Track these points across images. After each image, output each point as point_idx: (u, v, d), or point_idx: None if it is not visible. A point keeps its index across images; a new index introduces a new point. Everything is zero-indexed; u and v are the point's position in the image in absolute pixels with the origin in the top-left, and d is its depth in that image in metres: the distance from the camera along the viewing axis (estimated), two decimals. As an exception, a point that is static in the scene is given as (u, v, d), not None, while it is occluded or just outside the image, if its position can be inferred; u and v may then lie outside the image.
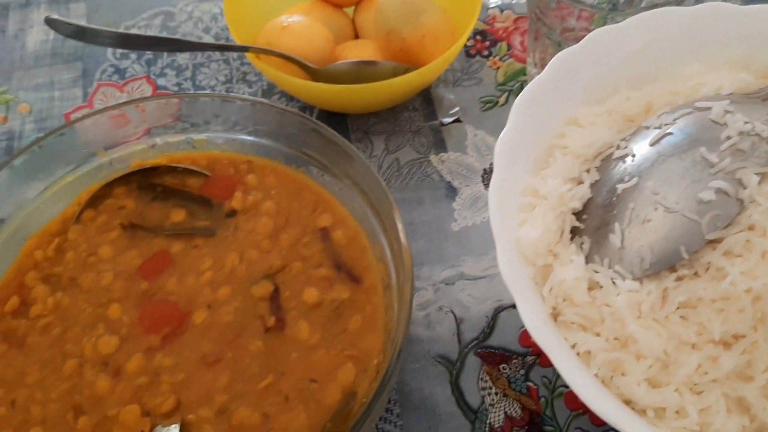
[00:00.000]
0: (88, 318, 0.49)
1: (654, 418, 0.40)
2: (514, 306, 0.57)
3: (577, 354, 0.43)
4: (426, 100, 0.69)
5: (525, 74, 0.70)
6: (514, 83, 0.70)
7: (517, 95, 0.66)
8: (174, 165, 0.55)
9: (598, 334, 0.43)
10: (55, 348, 0.48)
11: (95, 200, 0.54)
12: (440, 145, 0.66)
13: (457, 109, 0.67)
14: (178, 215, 0.53)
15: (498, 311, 0.57)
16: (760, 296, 0.40)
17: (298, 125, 0.53)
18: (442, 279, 0.58)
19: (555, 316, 0.45)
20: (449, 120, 0.66)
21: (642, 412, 0.41)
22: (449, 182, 0.64)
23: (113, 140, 0.56)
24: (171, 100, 0.55)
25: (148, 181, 0.55)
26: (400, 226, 0.46)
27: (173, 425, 0.44)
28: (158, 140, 0.56)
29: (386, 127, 0.67)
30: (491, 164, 0.64)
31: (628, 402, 0.41)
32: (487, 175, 0.64)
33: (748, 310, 0.40)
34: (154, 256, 0.51)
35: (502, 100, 0.69)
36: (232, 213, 0.53)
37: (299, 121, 0.53)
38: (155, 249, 0.52)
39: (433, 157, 0.65)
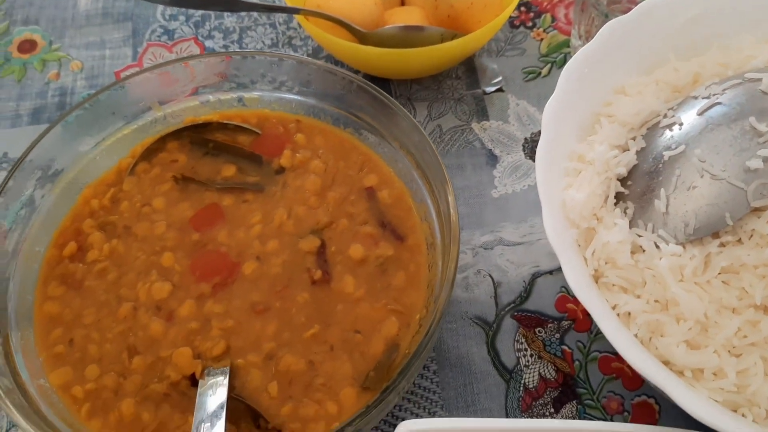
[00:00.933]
0: (141, 265, 0.51)
1: (692, 378, 0.41)
2: (551, 272, 0.58)
3: (618, 315, 0.44)
4: (469, 68, 0.69)
5: (569, 46, 0.70)
6: (557, 55, 0.70)
7: (560, 67, 0.67)
8: (225, 122, 0.57)
9: (639, 297, 0.44)
10: (110, 292, 0.50)
11: (149, 153, 0.56)
12: (482, 114, 0.66)
13: (499, 78, 0.68)
14: (229, 170, 0.55)
15: (535, 277, 0.58)
16: (803, 263, 0.41)
17: (348, 86, 0.54)
18: (481, 243, 0.59)
19: (597, 278, 0.46)
20: (492, 89, 0.67)
21: (680, 373, 0.42)
22: (490, 150, 0.64)
23: (164, 97, 0.58)
24: (221, 58, 0.56)
25: (200, 136, 0.56)
26: (450, 188, 0.47)
27: (223, 368, 0.46)
28: (210, 97, 0.57)
29: (429, 94, 0.68)
30: (532, 133, 0.65)
31: (666, 363, 0.42)
32: (528, 144, 0.65)
33: (790, 276, 0.41)
34: (205, 208, 0.53)
35: (544, 71, 0.69)
36: (281, 170, 0.55)
37: (349, 81, 0.54)
38: (206, 202, 0.53)
39: (475, 125, 0.66)
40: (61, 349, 0.48)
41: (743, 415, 0.40)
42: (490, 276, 0.58)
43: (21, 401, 0.43)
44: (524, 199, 0.62)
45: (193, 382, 0.46)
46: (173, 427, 0.45)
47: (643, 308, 0.43)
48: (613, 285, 0.45)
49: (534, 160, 0.63)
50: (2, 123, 0.68)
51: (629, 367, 0.53)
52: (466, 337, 0.55)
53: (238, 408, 0.45)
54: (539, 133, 0.63)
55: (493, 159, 0.64)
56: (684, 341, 0.42)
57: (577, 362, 0.54)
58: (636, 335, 0.43)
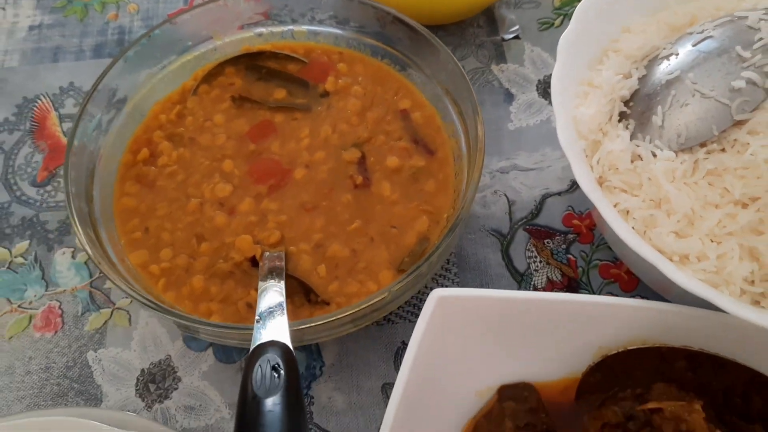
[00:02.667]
0: (205, 169, 0.58)
1: (679, 262, 0.49)
2: (559, 193, 0.66)
3: (618, 212, 0.52)
4: (489, 18, 0.77)
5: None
6: (569, 8, 0.78)
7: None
8: (277, 51, 0.64)
9: (636, 196, 0.52)
10: (179, 190, 0.57)
11: (209, 77, 0.63)
12: (500, 58, 0.74)
13: (516, 27, 0.75)
14: (280, 93, 0.62)
15: (545, 197, 0.65)
16: (776, 166, 0.48)
17: (386, 18, 0.61)
18: (498, 168, 0.67)
19: (601, 182, 0.53)
20: (509, 36, 0.74)
21: (669, 259, 0.49)
22: (507, 89, 0.72)
23: (209, 34, 0.65)
24: None
25: (254, 63, 0.64)
26: (478, 107, 0.55)
27: (279, 252, 0.54)
28: (264, 30, 0.65)
29: (453, 40, 0.75)
30: (545, 76, 0.73)
31: (658, 251, 0.50)
32: (541, 84, 0.72)
33: (765, 176, 0.48)
34: (259, 123, 0.61)
35: (557, 22, 0.77)
36: (326, 94, 0.62)
37: (387, 14, 0.61)
38: (260, 119, 0.61)
39: (494, 67, 0.73)
40: (138, 235, 0.56)
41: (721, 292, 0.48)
42: (506, 195, 0.66)
43: (114, 272, 0.50)
44: (537, 132, 0.69)
45: (253, 263, 0.54)
46: (237, 299, 0.53)
47: (640, 205, 0.51)
48: (615, 187, 0.52)
49: (546, 99, 0.71)
50: (67, 56, 0.76)
51: (626, 272, 0.61)
52: (484, 245, 0.63)
53: (291, 285, 0.52)
54: (551, 75, 0.71)
55: (509, 97, 0.71)
56: (673, 231, 0.50)
57: (580, 268, 0.62)
58: (633, 228, 0.51)
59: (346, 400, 0.56)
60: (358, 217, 0.56)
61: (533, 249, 0.63)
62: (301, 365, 0.58)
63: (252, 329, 0.46)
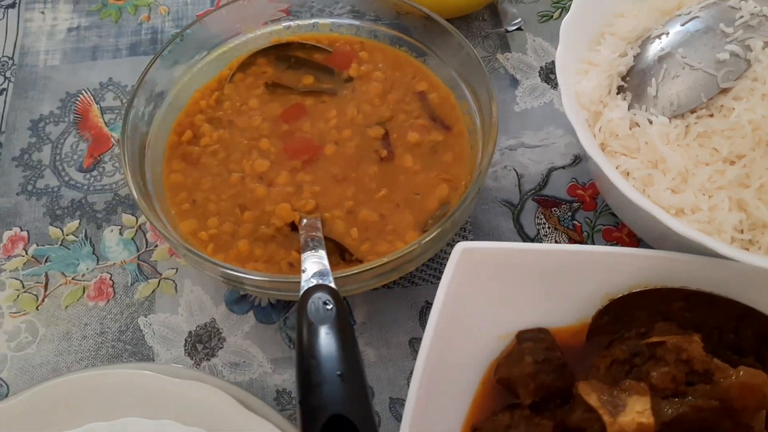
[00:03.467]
0: (244, 147, 0.64)
1: (675, 215, 0.55)
2: (563, 167, 0.72)
3: (619, 173, 0.58)
4: (492, 12, 0.83)
5: (576, -6, 0.84)
6: (567, 2, 0.84)
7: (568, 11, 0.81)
8: (303, 42, 0.70)
9: (635, 159, 0.58)
10: (222, 166, 0.63)
11: (243, 67, 0.69)
12: (505, 48, 0.80)
13: (519, 20, 0.82)
14: (308, 79, 0.68)
15: (551, 170, 0.72)
16: (758, 126, 0.54)
17: (402, 9, 0.68)
18: (507, 146, 0.73)
19: (603, 148, 0.59)
20: (512, 28, 0.81)
21: (666, 212, 0.55)
22: (512, 75, 0.78)
23: (234, 31, 0.71)
24: None
25: (283, 53, 0.70)
26: (490, 84, 0.61)
27: (316, 217, 0.60)
28: (291, 23, 0.71)
29: (460, 32, 0.81)
30: (546, 63, 0.79)
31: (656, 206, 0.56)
32: (543, 71, 0.79)
33: (749, 136, 0.54)
34: (291, 107, 0.67)
35: (556, 14, 0.83)
36: (350, 79, 0.68)
37: (403, 5, 0.67)
38: (292, 102, 0.67)
39: (499, 56, 0.80)
40: (186, 207, 0.61)
41: (713, 239, 0.54)
42: (515, 170, 0.72)
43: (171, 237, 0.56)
44: (541, 113, 0.76)
45: (293, 228, 0.60)
46: (279, 259, 0.58)
47: (638, 166, 0.57)
48: (616, 152, 0.59)
49: (548, 84, 0.77)
50: (105, 55, 0.82)
51: (627, 235, 0.67)
52: (497, 215, 0.69)
53: (328, 246, 0.58)
54: (552, 62, 0.77)
55: (514, 82, 0.78)
56: (669, 188, 0.56)
57: (585, 233, 0.68)
58: (633, 186, 0.57)
59: (377, 353, 0.62)
60: (385, 186, 0.61)
61: (542, 216, 0.69)
62: (334, 324, 0.63)
63: (296, 280, 0.51)
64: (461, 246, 0.54)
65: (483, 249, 0.54)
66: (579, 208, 0.69)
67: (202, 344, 0.62)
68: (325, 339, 0.43)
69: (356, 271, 0.52)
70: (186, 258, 0.57)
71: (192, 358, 0.62)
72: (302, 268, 0.51)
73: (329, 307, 0.45)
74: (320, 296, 0.46)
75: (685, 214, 0.55)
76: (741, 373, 0.46)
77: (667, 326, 0.54)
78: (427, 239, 0.54)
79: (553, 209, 0.69)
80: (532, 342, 0.54)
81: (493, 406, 0.54)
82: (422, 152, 0.64)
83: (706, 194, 0.55)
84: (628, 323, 0.55)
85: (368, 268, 0.52)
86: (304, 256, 0.53)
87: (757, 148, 0.55)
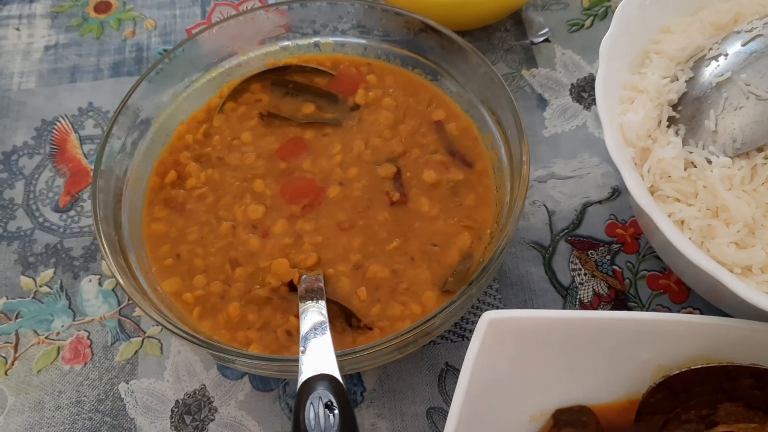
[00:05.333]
0: (236, 190, 0.56)
1: (741, 274, 0.47)
2: (600, 202, 0.63)
3: (673, 222, 0.49)
4: (516, 21, 0.74)
5: (609, 0, 0.75)
6: (599, 8, 0.75)
7: (602, 19, 0.72)
8: (303, 65, 0.62)
9: (691, 205, 0.49)
10: (210, 213, 0.55)
11: (235, 94, 0.61)
12: (531, 62, 0.72)
13: (546, 30, 0.73)
14: (308, 108, 0.60)
15: (586, 206, 0.63)
16: (841, 169, 0.46)
17: (415, 26, 0.59)
18: (535, 177, 0.65)
19: (652, 192, 0.51)
20: (539, 39, 0.72)
21: (730, 271, 0.47)
22: (540, 94, 0.70)
23: (232, 50, 0.63)
24: (277, 9, 0.61)
25: (280, 78, 0.61)
26: (519, 113, 0.53)
27: (317, 275, 0.52)
28: (289, 43, 0.63)
29: (480, 45, 0.73)
30: (578, 79, 0.71)
31: (718, 262, 0.47)
32: (574, 89, 0.70)
33: (829, 180, 0.46)
34: (289, 141, 0.58)
35: (587, 23, 0.74)
36: (356, 107, 0.60)
37: (415, 22, 0.59)
38: (290, 135, 0.59)
39: (524, 72, 0.71)
40: (170, 262, 0.53)
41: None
42: (545, 206, 0.63)
43: (147, 303, 0.48)
44: (573, 138, 0.67)
45: (291, 288, 0.52)
46: (276, 326, 0.50)
47: (696, 215, 0.49)
48: (668, 197, 0.50)
49: (581, 104, 0.68)
50: (85, 76, 0.74)
51: (676, 282, 0.59)
52: (525, 259, 0.61)
53: (331, 309, 0.50)
54: (585, 78, 0.69)
55: (542, 102, 0.69)
56: (734, 242, 0.47)
57: (627, 280, 0.59)
58: (690, 239, 0.48)
59: (390, 427, 0.54)
60: (397, 236, 0.53)
61: (577, 261, 0.60)
62: (341, 391, 0.55)
63: (294, 360, 0.44)
64: (489, 316, 0.46)
65: (514, 319, 0.46)
66: (619, 250, 0.61)
67: (191, 416, 0.55)
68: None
69: (363, 352, 0.44)
70: (165, 330, 0.49)
71: (179, 433, 0.54)
72: (300, 348, 0.43)
73: (332, 413, 0.37)
74: (321, 395, 0.38)
75: (754, 274, 0.47)
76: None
77: (734, 407, 0.46)
78: (448, 310, 0.46)
79: (589, 252, 0.61)
80: (572, 427, 0.47)
81: (527, 501, 0.46)
82: (440, 194, 0.55)
83: (778, 250, 0.47)
84: (686, 401, 0.47)
85: (376, 348, 0.44)
86: (302, 332, 0.45)
87: (840, 196, 0.46)
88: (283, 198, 0.56)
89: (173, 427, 0.55)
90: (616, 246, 0.61)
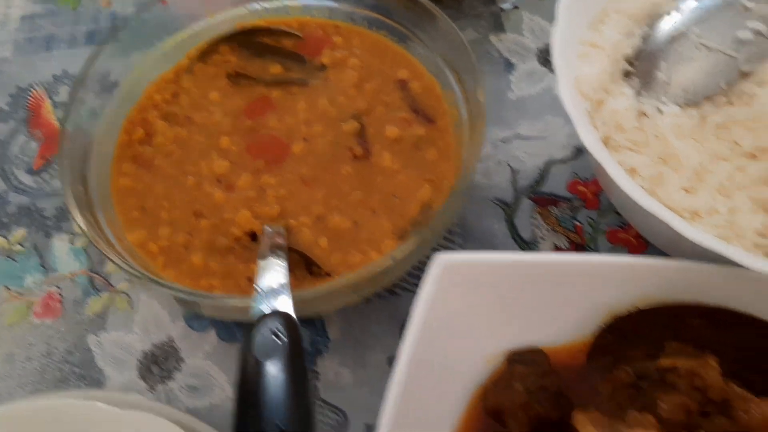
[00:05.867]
0: (202, 147, 0.57)
1: (689, 219, 0.48)
2: (563, 161, 0.65)
3: (625, 171, 0.50)
4: (486, -11, 0.76)
5: (577, -31, 0.76)
6: (567, -23, 0.76)
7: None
8: (271, 27, 0.63)
9: (643, 154, 0.50)
10: (176, 168, 0.56)
11: (203, 56, 0.62)
12: (499, 28, 0.73)
13: (515, -3, 0.74)
14: (276, 68, 0.61)
15: (549, 165, 0.64)
16: (786, 115, 0.47)
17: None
18: (501, 138, 0.66)
19: (606, 142, 0.52)
20: (508, 6, 0.73)
21: (679, 216, 0.48)
22: (507, 59, 0.71)
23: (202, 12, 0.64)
24: None
25: (248, 39, 0.63)
26: (477, 69, 0.53)
27: (279, 226, 0.53)
28: (257, 6, 0.64)
29: (450, 12, 0.72)
30: (545, 44, 0.71)
31: (667, 208, 0.48)
32: (541, 54, 0.71)
33: (775, 126, 0.47)
34: (256, 100, 0.59)
35: (556, -9, 0.75)
36: (322, 67, 0.61)
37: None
38: (257, 95, 0.60)
39: (492, 38, 0.72)
40: (136, 214, 0.55)
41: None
42: (509, 165, 0.64)
43: (112, 251, 0.49)
44: (539, 101, 0.68)
45: (253, 238, 0.53)
46: (238, 274, 0.51)
47: (647, 163, 0.50)
48: (621, 146, 0.51)
49: (547, 68, 0.70)
50: (61, 45, 0.75)
51: (635, 236, 0.60)
52: (488, 216, 0.62)
53: (293, 258, 0.51)
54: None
55: (509, 67, 0.70)
56: (682, 188, 0.49)
57: (587, 235, 0.60)
58: (642, 186, 0.49)
59: (353, 374, 0.55)
60: (359, 189, 0.54)
61: (538, 217, 0.62)
62: (305, 342, 0.57)
63: (251, 299, 0.45)
64: (440, 258, 0.47)
65: (466, 261, 0.48)
66: (580, 206, 0.62)
67: (158, 366, 0.56)
68: (271, 381, 0.36)
69: (319, 293, 0.45)
70: (131, 278, 0.50)
71: (146, 382, 0.55)
72: (255, 284, 0.45)
73: (280, 339, 0.38)
74: (271, 325, 0.40)
75: (701, 218, 0.48)
76: (766, 405, 0.39)
77: (680, 346, 0.47)
78: (401, 251, 0.47)
79: (551, 208, 0.62)
80: (524, 366, 0.48)
81: (480, 439, 0.47)
82: (402, 149, 0.56)
83: (724, 195, 0.48)
84: (635, 342, 0.48)
85: (331, 288, 0.45)
86: (260, 267, 0.46)
87: (785, 141, 0.47)
88: (248, 154, 0.57)
89: (140, 377, 0.56)
90: (578, 203, 0.62)
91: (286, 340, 0.39)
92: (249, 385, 0.37)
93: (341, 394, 0.54)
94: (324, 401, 0.54)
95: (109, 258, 0.48)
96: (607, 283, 0.48)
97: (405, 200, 0.54)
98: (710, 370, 0.43)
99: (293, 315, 0.42)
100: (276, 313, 0.41)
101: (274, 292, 0.44)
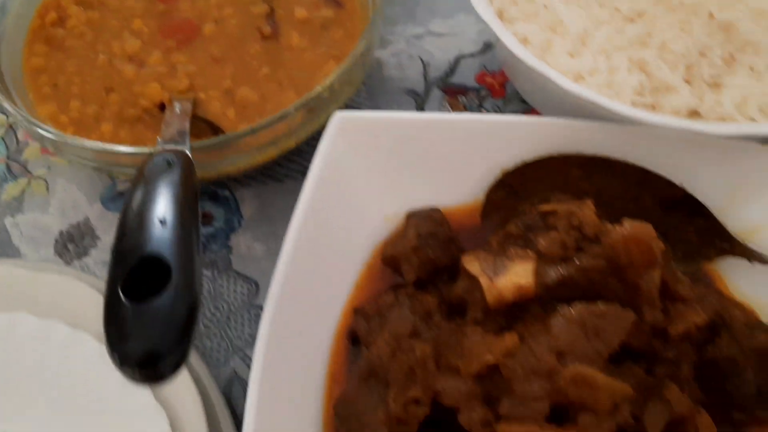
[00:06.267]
0: (115, 29, 0.58)
1: (573, 80, 0.51)
2: (473, 55, 0.67)
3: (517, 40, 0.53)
4: None
5: None
6: None
7: None
8: None
9: (533, 23, 0.53)
10: (89, 48, 0.57)
11: (117, -55, 0.63)
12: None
13: None
14: (187, -45, 0.62)
15: (459, 58, 0.67)
16: (660, -20, 0.50)
17: None
18: (413, 34, 0.68)
19: (500, 17, 0.55)
20: None
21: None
22: (420, -39, 0.73)
23: None
24: None
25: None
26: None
27: (187, 98, 0.54)
28: None
29: None
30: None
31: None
32: (454, -42, 0.73)
33: (650, -10, 0.50)
34: (169, -14, 0.61)
35: None
36: (234, -46, 0.62)
37: None
38: (169, -20, 0.61)
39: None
40: (47, 90, 0.56)
41: (612, 103, 0.50)
42: (420, 59, 0.67)
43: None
44: (452, 0, 0.71)
45: (162, 108, 0.54)
46: (146, 141, 0.53)
47: (536, 31, 0.53)
48: (514, 18, 0.54)
49: (460, -30, 0.72)
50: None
51: (536, 120, 0.63)
52: (400, 104, 0.64)
53: (200, 127, 0.53)
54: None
55: (423, -33, 0.73)
56: (567, 52, 0.52)
57: (493, 120, 0.63)
58: (531, 53, 0.52)
59: (264, 247, 0.57)
60: (267, 65, 0.56)
61: (447, 105, 0.64)
62: (220, 219, 0.59)
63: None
64: (339, 115, 0.49)
65: (364, 119, 0.50)
66: (487, 96, 0.65)
67: (74, 243, 0.57)
68: (155, 191, 0.38)
69: (219, 139, 0.47)
70: (42, 141, 0.51)
71: (62, 258, 0.57)
72: (160, 135, 0.46)
73: (172, 165, 0.40)
74: (166, 156, 0.41)
75: (584, 79, 0.51)
76: (626, 226, 0.42)
77: (564, 197, 0.50)
78: (299, 107, 0.49)
79: (459, 97, 0.65)
80: (419, 219, 0.50)
81: (378, 288, 0.50)
82: (310, 29, 0.58)
83: (605, 55, 0.51)
84: (525, 198, 0.52)
85: (231, 136, 0.47)
86: (164, 123, 0.48)
87: (658, 4, 0.51)
88: (160, 35, 0.58)
89: (56, 254, 0.57)
90: (485, 92, 0.65)
91: (177, 166, 0.40)
92: (135, 196, 0.38)
93: (254, 265, 0.57)
94: (237, 272, 0.56)
95: (19, 120, 0.49)
96: (497, 142, 0.51)
97: (311, 74, 0.56)
98: (586, 209, 0.46)
99: (188, 153, 0.44)
100: (172, 150, 0.43)
101: (174, 142, 0.46)
